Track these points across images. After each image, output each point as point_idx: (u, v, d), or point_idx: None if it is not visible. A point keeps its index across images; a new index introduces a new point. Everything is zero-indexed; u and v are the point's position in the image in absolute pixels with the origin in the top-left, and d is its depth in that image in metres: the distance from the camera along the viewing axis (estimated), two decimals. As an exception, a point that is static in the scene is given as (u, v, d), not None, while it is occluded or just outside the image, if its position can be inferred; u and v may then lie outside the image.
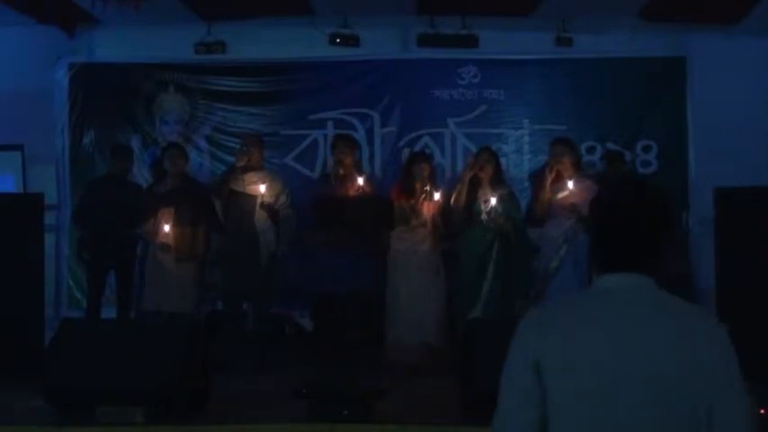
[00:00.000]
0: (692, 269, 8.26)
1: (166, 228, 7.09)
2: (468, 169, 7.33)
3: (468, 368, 5.59)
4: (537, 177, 7.40)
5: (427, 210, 7.27)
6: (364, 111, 8.73)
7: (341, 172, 7.34)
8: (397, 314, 7.23)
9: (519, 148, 8.66)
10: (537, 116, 8.63)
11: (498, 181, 7.33)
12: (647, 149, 8.60)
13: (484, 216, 7.12)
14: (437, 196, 7.21)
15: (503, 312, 7.03)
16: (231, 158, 7.88)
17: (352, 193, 7.21)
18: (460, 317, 7.03)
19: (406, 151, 8.41)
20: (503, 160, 8.15)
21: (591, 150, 8.58)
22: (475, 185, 7.25)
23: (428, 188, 7.25)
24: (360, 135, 8.66)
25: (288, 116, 8.76)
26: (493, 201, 7.09)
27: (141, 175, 8.53)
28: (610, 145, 8.53)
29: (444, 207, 7.34)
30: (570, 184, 6.96)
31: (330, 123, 8.71)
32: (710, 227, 6.91)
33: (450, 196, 7.31)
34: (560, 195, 7.05)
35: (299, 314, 8.04)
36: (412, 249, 7.28)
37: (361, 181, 7.20)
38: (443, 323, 7.27)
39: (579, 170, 7.22)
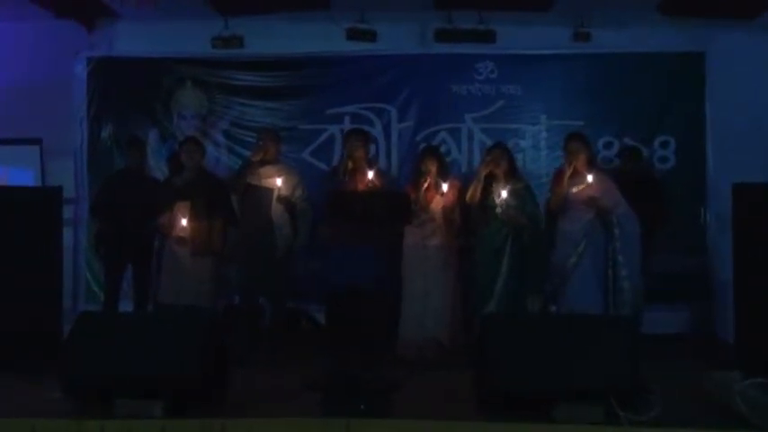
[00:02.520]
0: (709, 263, 8.35)
1: (183, 221, 7.10)
2: (483, 165, 7.30)
3: (482, 363, 5.59)
4: (556, 174, 7.36)
5: (436, 204, 7.28)
6: (381, 106, 8.75)
7: (351, 165, 7.33)
8: (406, 309, 7.25)
9: (536, 143, 8.65)
10: (554, 112, 8.63)
11: (513, 176, 7.31)
12: (665, 145, 8.59)
13: (498, 210, 7.12)
14: (445, 188, 7.20)
15: (517, 308, 7.02)
16: (248, 153, 7.88)
17: (361, 186, 7.20)
18: (475, 312, 7.03)
19: (423, 146, 8.28)
20: (519, 156, 8.22)
21: (608, 146, 8.57)
22: (490, 181, 7.24)
23: (434, 182, 7.25)
24: (377, 130, 8.69)
25: (305, 111, 8.76)
26: (504, 194, 7.08)
27: (159, 169, 8.59)
28: (627, 140, 8.53)
29: (461, 203, 7.33)
30: (590, 178, 6.94)
31: (347, 118, 8.71)
32: (728, 222, 6.89)
33: (467, 192, 7.29)
34: (577, 189, 7.02)
35: (316, 309, 8.05)
36: (421, 244, 7.28)
37: (370, 174, 7.18)
38: (455, 319, 7.27)
39: (593, 165, 7.19)
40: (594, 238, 6.90)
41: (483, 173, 7.23)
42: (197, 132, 8.58)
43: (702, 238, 8.45)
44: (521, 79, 8.68)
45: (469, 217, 7.34)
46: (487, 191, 7.21)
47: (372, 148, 8.43)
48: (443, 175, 7.38)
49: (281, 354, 7.11)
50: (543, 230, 7.24)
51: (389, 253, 7.27)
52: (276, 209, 7.37)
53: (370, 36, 8.62)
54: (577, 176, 7.04)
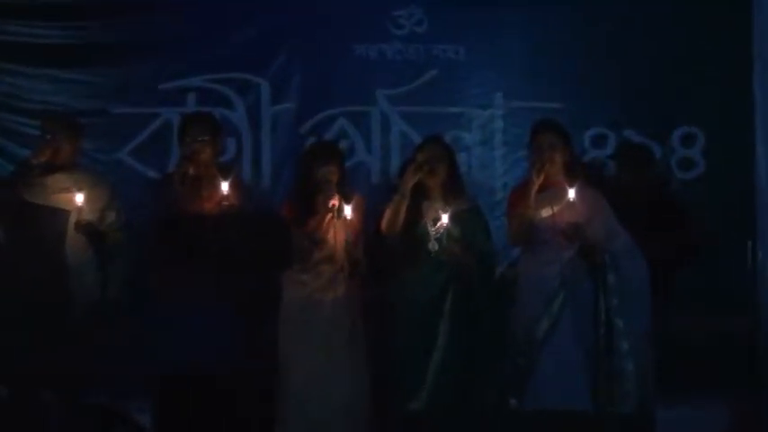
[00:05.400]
0: (760, 327, 8.23)
1: None
2: (409, 173, 7.02)
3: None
4: (518, 189, 7.15)
5: (336, 236, 6.94)
6: (245, 77, 8.71)
7: (191, 172, 6.90)
8: (287, 405, 7.03)
9: (488, 137, 8.64)
10: (516, 88, 8.63)
11: (454, 190, 7.15)
12: (688, 141, 8.58)
13: (432, 244, 7.01)
14: (349, 212, 6.89)
15: (461, 401, 6.88)
16: (25, 152, 7.73)
17: (210, 206, 6.92)
18: (396, 408, 6.93)
19: (311, 141, 8.35)
20: (462, 156, 8.16)
21: (600, 141, 8.56)
22: (419, 198, 7.06)
23: (336, 202, 6.93)
24: (238, 115, 8.66)
25: (122, 85, 8.64)
26: (445, 219, 6.89)
27: None
28: (629, 133, 8.50)
29: (369, 232, 7.17)
30: (570, 193, 6.74)
31: (191, 96, 8.64)
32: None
33: (381, 215, 7.11)
34: (550, 211, 6.87)
35: (137, 405, 7.34)
36: (312, 300, 7.07)
37: (224, 187, 6.82)
38: (362, 422, 7.05)
39: (576, 173, 6.93)
40: (578, 289, 6.78)
41: (409, 184, 7.00)
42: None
43: (749, 287, 8.28)
44: (463, 36, 8.62)
45: (383, 254, 7.16)
46: (416, 213, 7.05)
47: (230, 144, 8.39)
48: (346, 189, 7.17)
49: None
50: (500, 276, 7.35)
51: (259, 314, 7.05)
52: (73, 242, 7.07)
53: (229, -36, 8.38)
54: (550, 190, 6.90)
